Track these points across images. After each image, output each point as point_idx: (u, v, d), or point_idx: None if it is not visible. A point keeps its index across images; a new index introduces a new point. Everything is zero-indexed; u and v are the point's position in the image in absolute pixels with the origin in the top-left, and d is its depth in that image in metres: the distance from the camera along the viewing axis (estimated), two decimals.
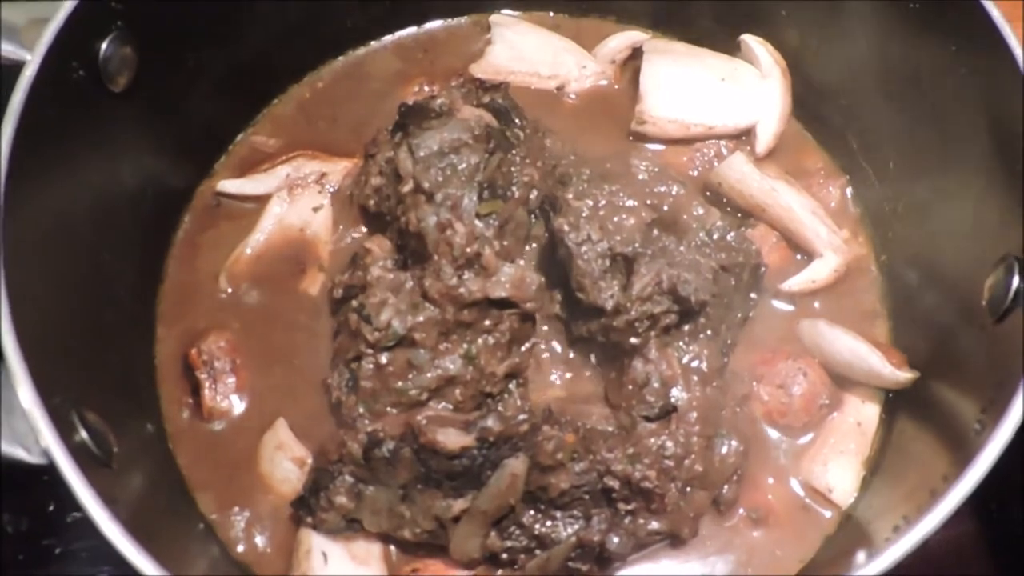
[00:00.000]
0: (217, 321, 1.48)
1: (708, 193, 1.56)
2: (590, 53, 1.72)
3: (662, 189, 1.43)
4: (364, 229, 1.54)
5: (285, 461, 1.36)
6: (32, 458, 1.05)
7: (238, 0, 1.52)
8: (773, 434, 1.41)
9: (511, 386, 1.36)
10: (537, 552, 1.27)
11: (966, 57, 1.32)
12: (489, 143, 1.39)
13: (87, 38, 1.26)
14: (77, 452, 1.05)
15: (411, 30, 1.78)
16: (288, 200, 1.56)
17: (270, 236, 1.54)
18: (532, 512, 1.27)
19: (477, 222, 1.34)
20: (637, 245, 1.35)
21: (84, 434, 1.11)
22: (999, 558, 1.53)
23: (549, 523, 1.27)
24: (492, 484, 1.23)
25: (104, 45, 1.28)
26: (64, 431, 1.05)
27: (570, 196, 1.38)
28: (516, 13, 1.78)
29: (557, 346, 1.44)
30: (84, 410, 1.14)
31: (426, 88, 1.69)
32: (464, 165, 1.37)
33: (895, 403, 1.42)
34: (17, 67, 1.18)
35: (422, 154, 1.38)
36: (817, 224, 1.51)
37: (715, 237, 1.41)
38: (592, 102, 1.70)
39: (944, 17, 1.33)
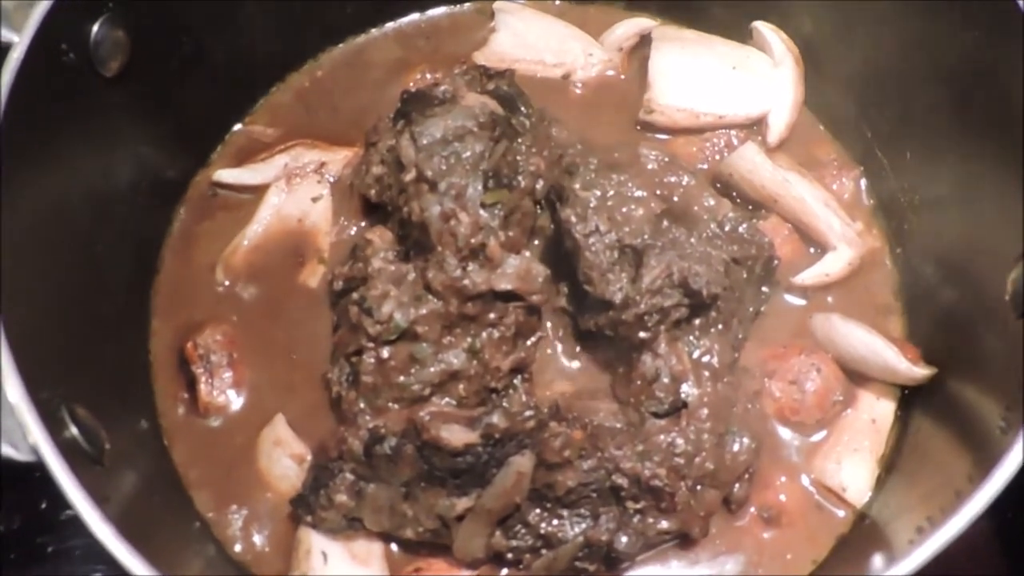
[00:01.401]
0: (214, 314, 1.46)
1: (718, 184, 1.53)
2: (597, 40, 1.70)
3: (672, 179, 1.40)
4: (365, 220, 1.52)
5: (284, 458, 1.34)
6: (20, 455, 1.02)
7: None
8: (785, 431, 1.39)
9: (516, 381, 1.34)
10: (543, 552, 1.25)
11: (988, 44, 1.29)
12: (494, 131, 1.37)
13: (77, 20, 1.24)
14: (67, 449, 1.02)
15: (413, 17, 1.75)
16: (287, 190, 1.54)
17: (268, 227, 1.52)
18: (538, 511, 1.25)
19: (482, 212, 1.31)
20: (646, 237, 1.32)
21: (74, 430, 1.09)
22: (1013, 557, 1.52)
23: (556, 522, 1.25)
24: (497, 482, 1.21)
25: (95, 28, 1.25)
26: (53, 427, 1.03)
27: (577, 186, 1.36)
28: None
29: (564, 340, 1.43)
30: (74, 405, 1.12)
31: (428, 76, 1.66)
32: (468, 153, 1.34)
33: (911, 400, 1.40)
34: (5, 50, 1.15)
35: (425, 142, 1.35)
36: (830, 216, 1.49)
37: (726, 229, 1.38)
38: (599, 91, 1.67)
39: (966, 3, 1.30)
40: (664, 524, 1.27)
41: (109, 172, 1.39)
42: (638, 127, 1.61)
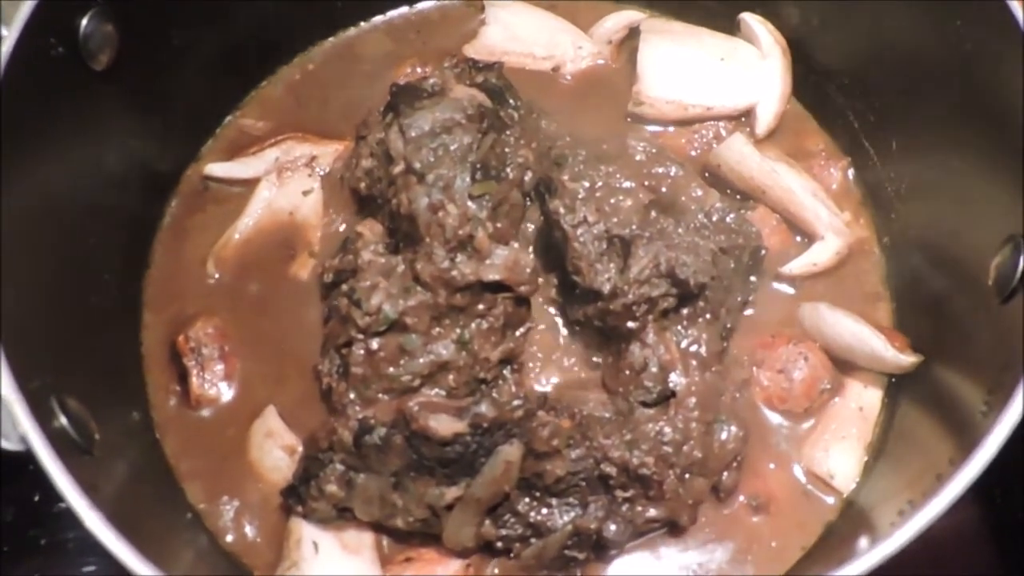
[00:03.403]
0: (205, 307, 1.46)
1: (707, 175, 1.54)
2: (586, 33, 1.70)
3: (660, 170, 1.41)
4: (355, 213, 1.52)
5: (275, 449, 1.34)
6: (10, 445, 1.02)
7: None
8: (773, 419, 1.40)
9: (505, 371, 1.34)
10: (532, 540, 1.25)
11: (971, 33, 1.29)
12: (482, 123, 1.37)
13: (66, 14, 1.24)
14: (55, 438, 1.02)
15: (403, 10, 1.75)
16: (277, 184, 1.54)
17: (259, 220, 1.52)
18: (527, 499, 1.25)
19: (470, 203, 1.31)
20: (634, 227, 1.33)
21: (63, 420, 1.09)
22: (1001, 544, 1.53)
23: (545, 510, 1.25)
24: (486, 471, 1.21)
25: (84, 21, 1.25)
26: (42, 417, 1.03)
27: (566, 178, 1.36)
28: None
29: (553, 330, 1.43)
30: (65, 396, 1.12)
31: (418, 70, 1.65)
32: (456, 145, 1.34)
33: (898, 387, 1.40)
34: None
35: (413, 134, 1.35)
36: (818, 206, 1.49)
37: (714, 219, 1.39)
38: (588, 83, 1.67)
39: None
40: (652, 512, 1.27)
41: (100, 165, 1.39)
42: (627, 119, 1.61)
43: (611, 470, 1.25)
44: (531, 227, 1.45)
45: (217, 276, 1.49)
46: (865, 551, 1.00)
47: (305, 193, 1.53)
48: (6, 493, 1.48)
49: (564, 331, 1.42)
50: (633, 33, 1.67)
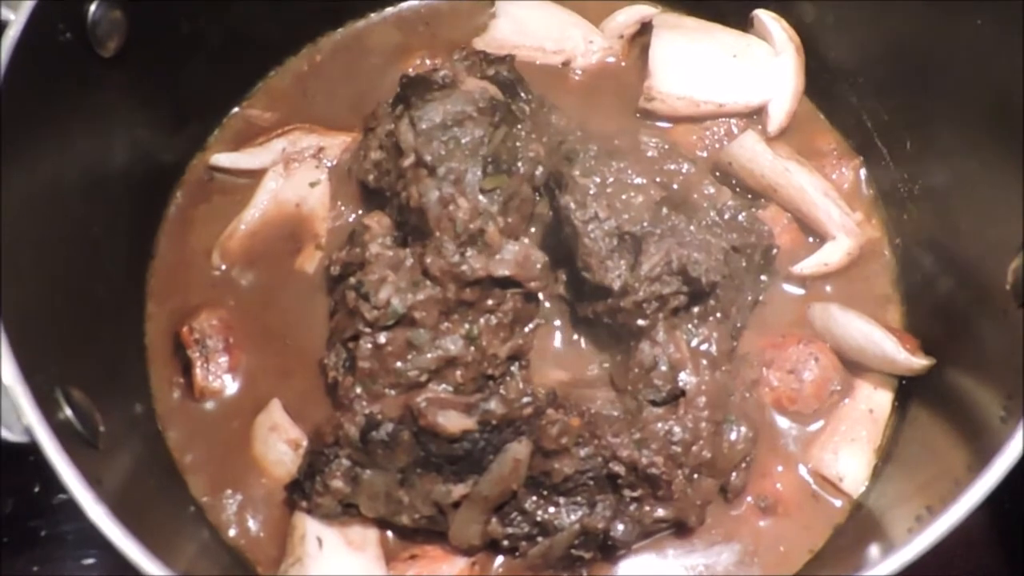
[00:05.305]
0: (210, 298, 1.46)
1: (718, 173, 1.53)
2: (597, 27, 1.69)
3: (671, 167, 1.40)
4: (363, 205, 1.51)
5: (279, 443, 1.34)
6: (14, 436, 1.01)
7: None
8: (782, 420, 1.39)
9: (513, 368, 1.33)
10: (539, 539, 1.25)
11: (989, 32, 1.28)
12: (494, 116, 1.36)
13: None
14: (61, 430, 1.02)
15: (412, 2, 1.74)
16: (284, 175, 1.53)
17: (265, 212, 1.51)
18: (535, 498, 1.24)
19: (481, 197, 1.31)
20: (646, 224, 1.32)
21: (69, 412, 1.08)
22: (1009, 547, 1.52)
23: (552, 509, 1.24)
24: (494, 469, 1.21)
25: (92, 7, 1.24)
26: (47, 408, 1.02)
27: (576, 173, 1.35)
28: None
29: (562, 327, 1.42)
30: (69, 387, 1.11)
31: (427, 62, 1.65)
32: (468, 138, 1.33)
33: (908, 390, 1.40)
34: (1, 28, 1.14)
35: (424, 127, 1.34)
36: (830, 206, 1.48)
37: (726, 217, 1.38)
38: (599, 78, 1.66)
39: None
40: (660, 512, 1.26)
41: (106, 154, 1.38)
42: (638, 115, 1.60)
43: (619, 469, 1.24)
44: (536, 225, 1.44)
45: (222, 267, 1.48)
46: (881, 556, 0.99)
47: (312, 185, 1.52)
48: (6, 484, 1.48)
49: (572, 328, 1.42)
50: (645, 28, 1.66)
